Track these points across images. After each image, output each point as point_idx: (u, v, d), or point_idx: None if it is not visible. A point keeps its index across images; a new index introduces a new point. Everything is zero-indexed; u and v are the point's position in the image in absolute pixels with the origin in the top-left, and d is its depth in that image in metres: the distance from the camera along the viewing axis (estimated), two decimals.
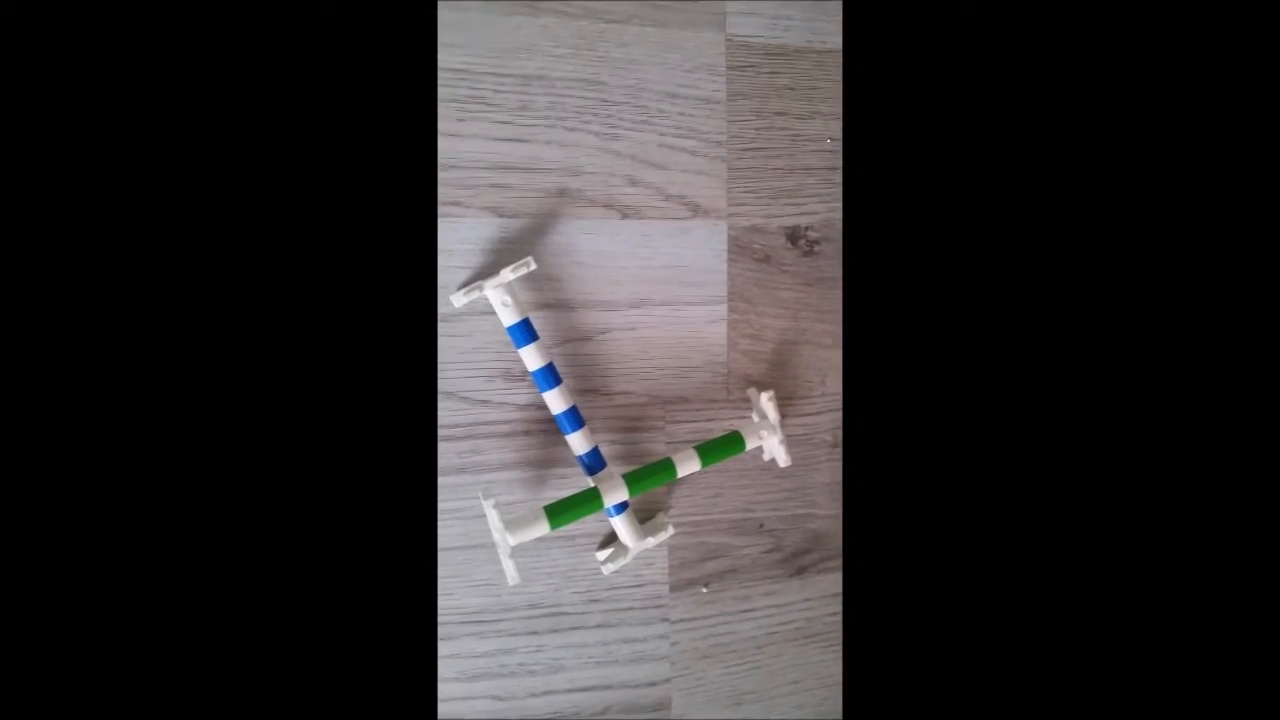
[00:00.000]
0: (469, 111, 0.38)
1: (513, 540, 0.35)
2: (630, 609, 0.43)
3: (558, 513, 0.36)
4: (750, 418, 0.43)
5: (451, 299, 0.37)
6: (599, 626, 0.42)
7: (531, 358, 0.37)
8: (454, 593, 0.40)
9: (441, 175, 0.38)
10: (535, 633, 0.41)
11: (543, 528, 0.36)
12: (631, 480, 0.38)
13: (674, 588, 0.43)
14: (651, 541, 0.41)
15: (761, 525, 0.44)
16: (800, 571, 0.45)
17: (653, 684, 0.43)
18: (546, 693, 0.42)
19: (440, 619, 0.40)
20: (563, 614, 0.42)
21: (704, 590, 0.44)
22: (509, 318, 0.37)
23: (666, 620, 0.43)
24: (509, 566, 0.35)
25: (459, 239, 0.38)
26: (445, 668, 0.40)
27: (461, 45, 0.38)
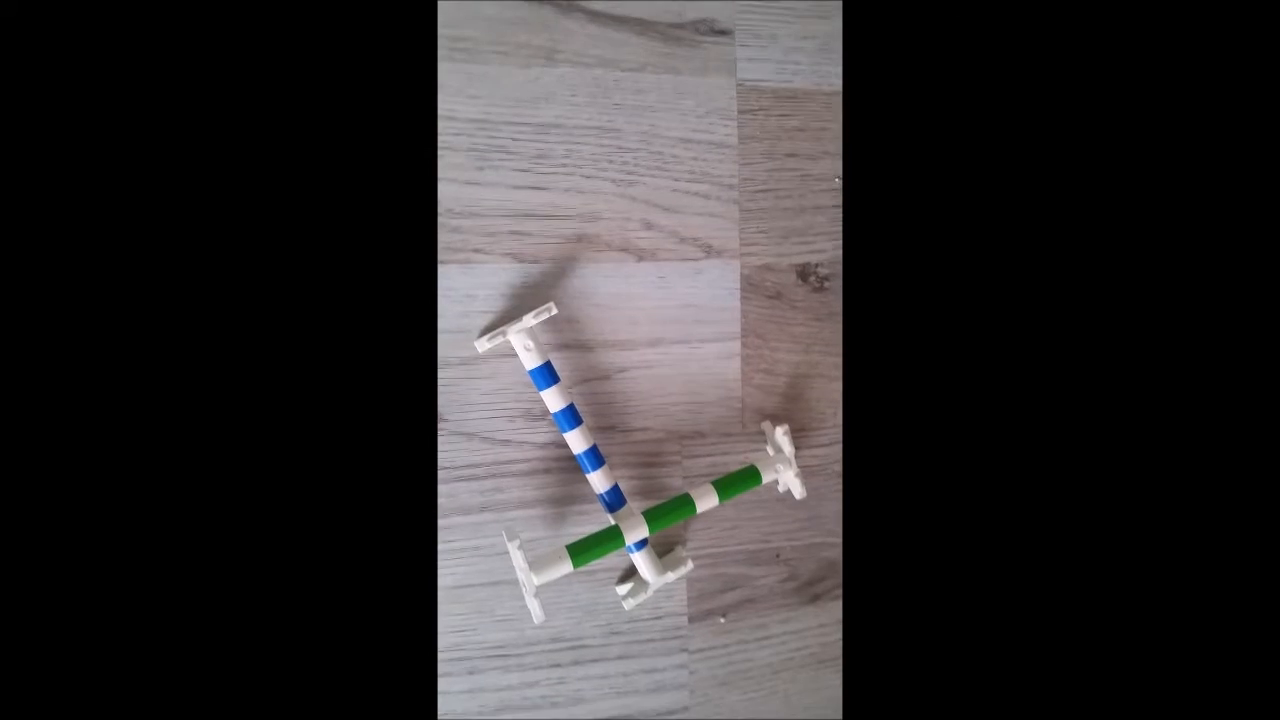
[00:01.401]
0: (488, 161, 0.39)
1: (538, 580, 0.36)
2: (650, 640, 0.43)
3: (580, 551, 0.37)
4: (765, 450, 0.44)
5: (475, 344, 0.38)
6: (620, 658, 0.43)
7: (554, 400, 0.38)
8: (478, 628, 0.41)
9: (463, 223, 0.39)
10: (558, 665, 0.42)
11: (566, 567, 0.37)
12: (651, 518, 0.39)
13: (693, 619, 0.44)
14: (671, 576, 0.41)
15: (778, 555, 0.45)
16: (815, 599, 0.46)
17: (672, 712, 0.44)
18: None
19: (464, 654, 0.41)
20: (584, 646, 0.42)
21: (722, 620, 0.44)
22: (531, 362, 0.38)
23: (685, 650, 0.44)
24: (534, 606, 0.36)
25: (481, 284, 0.39)
26: (469, 702, 0.41)
27: (482, 96, 0.39)
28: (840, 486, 0.46)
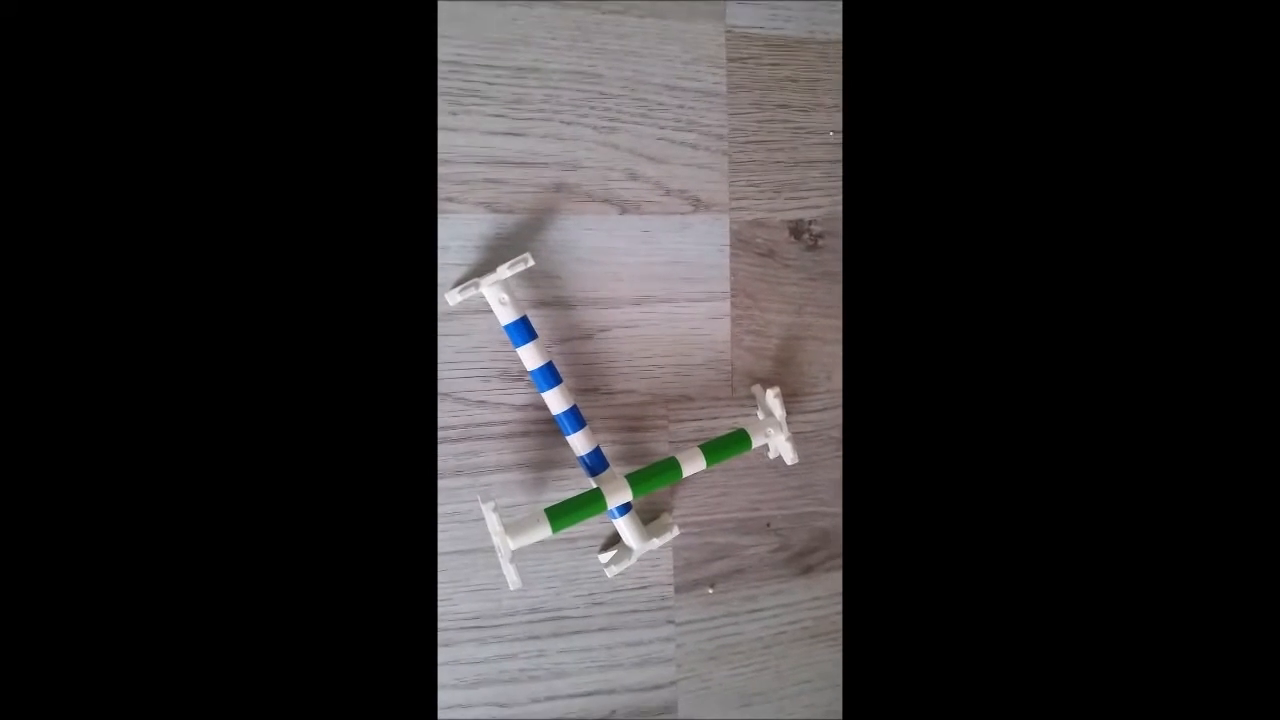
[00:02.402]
0: (462, 105, 0.37)
1: (513, 544, 0.34)
2: (635, 611, 0.42)
3: (559, 515, 0.36)
4: (755, 415, 0.42)
5: (446, 297, 0.36)
6: (602, 630, 0.41)
7: (530, 356, 0.36)
8: (452, 598, 0.39)
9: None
10: (537, 637, 0.40)
11: (544, 531, 0.35)
12: (635, 481, 0.37)
13: (679, 589, 0.42)
14: (656, 543, 0.40)
15: (768, 524, 0.44)
16: (807, 570, 0.45)
17: (658, 687, 0.42)
18: (549, 698, 0.41)
19: (439, 625, 0.39)
20: (565, 618, 0.41)
21: (710, 591, 0.43)
22: (506, 316, 0.36)
23: (672, 622, 0.42)
24: (510, 571, 0.35)
25: (453, 235, 0.37)
26: (445, 674, 0.39)
27: (455, 37, 0.37)
28: (834, 453, 0.44)
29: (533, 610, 0.40)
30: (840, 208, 0.43)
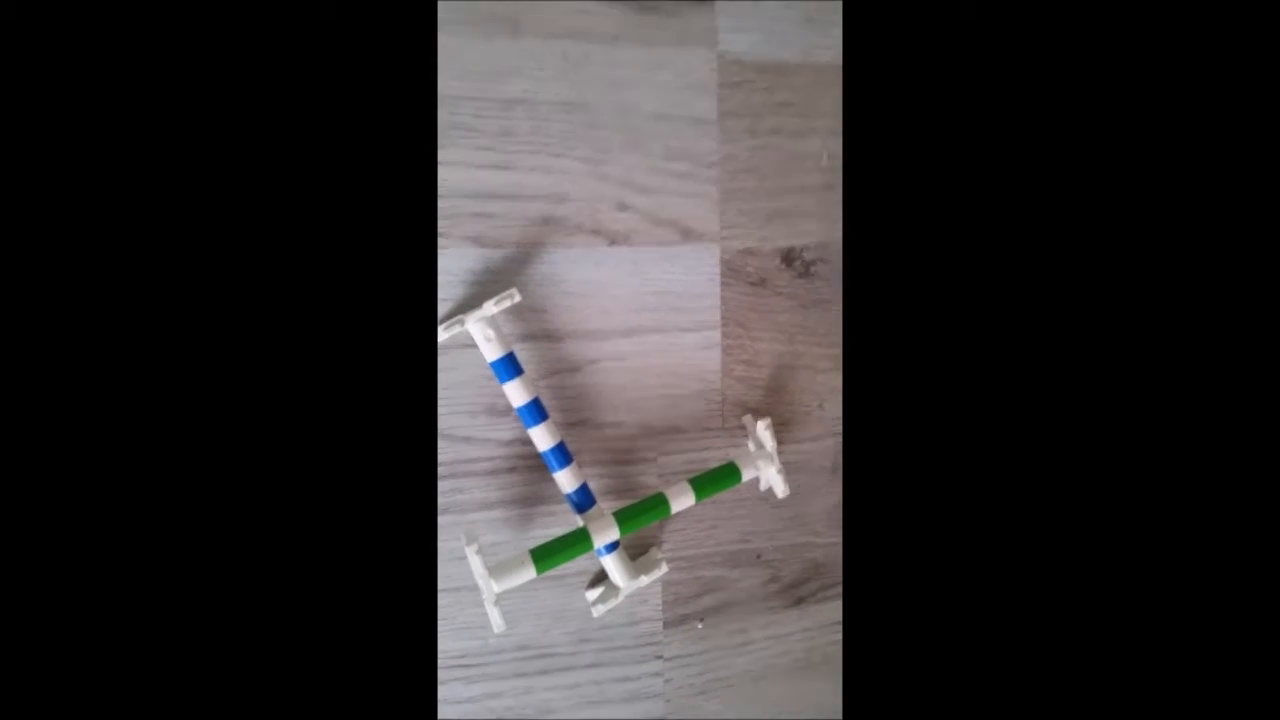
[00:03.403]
0: (449, 138, 0.37)
1: (497, 587, 0.34)
2: (623, 648, 0.41)
3: (544, 557, 0.35)
4: (746, 446, 0.42)
5: None
6: (591, 666, 0.41)
7: (516, 393, 0.36)
8: (440, 636, 0.38)
9: None
10: (524, 675, 0.40)
11: (529, 573, 0.35)
12: (623, 519, 0.36)
13: (668, 624, 0.42)
14: (644, 580, 0.39)
15: (759, 556, 0.43)
16: (799, 601, 0.44)
17: None
18: None
19: None
20: (553, 655, 0.40)
21: (699, 626, 0.42)
22: (492, 353, 0.35)
23: (660, 657, 0.42)
24: (494, 614, 0.34)
25: (441, 270, 0.37)
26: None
27: (442, 69, 0.36)
28: (827, 482, 0.44)
29: (520, 648, 0.40)
30: (834, 234, 0.43)
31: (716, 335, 0.41)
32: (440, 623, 0.38)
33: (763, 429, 0.39)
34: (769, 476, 0.40)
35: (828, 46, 0.42)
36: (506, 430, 0.38)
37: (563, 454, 0.37)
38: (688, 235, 0.40)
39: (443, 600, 0.38)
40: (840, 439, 0.44)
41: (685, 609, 0.42)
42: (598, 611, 0.39)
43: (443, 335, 0.35)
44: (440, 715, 0.39)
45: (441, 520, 0.38)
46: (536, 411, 0.36)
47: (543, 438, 0.36)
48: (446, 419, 0.38)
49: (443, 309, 0.37)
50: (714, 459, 0.41)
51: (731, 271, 0.41)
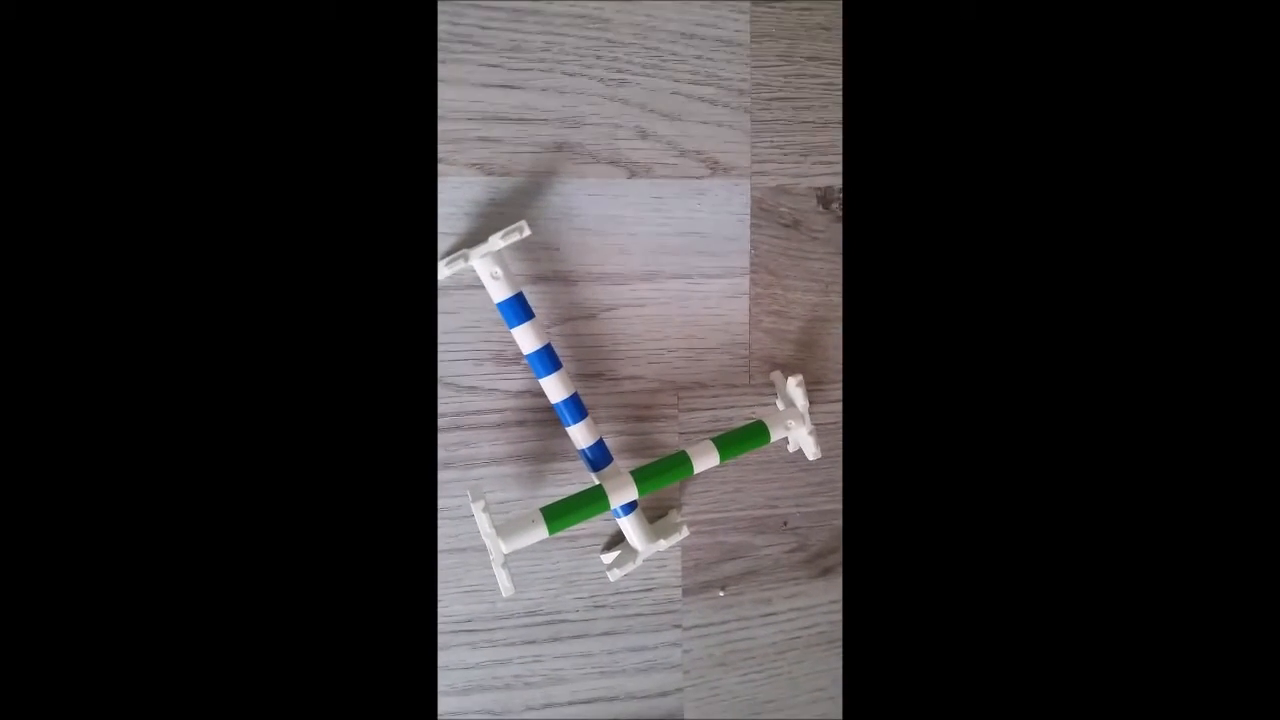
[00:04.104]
0: (452, 52, 0.33)
1: (506, 548, 0.31)
2: (639, 615, 0.39)
3: (557, 516, 0.32)
4: (775, 405, 0.38)
5: None
6: (605, 634, 0.38)
7: (526, 338, 0.33)
8: (443, 599, 0.36)
9: None
10: (533, 642, 0.37)
11: (540, 533, 0.32)
12: (641, 478, 0.33)
13: (687, 591, 0.39)
14: (663, 544, 0.36)
15: (785, 523, 0.40)
16: (825, 572, 0.41)
17: (664, 694, 0.39)
18: (546, 705, 0.38)
19: None
20: (564, 621, 0.38)
21: (720, 594, 0.40)
22: (499, 292, 0.32)
23: (679, 626, 0.39)
24: (502, 577, 0.31)
25: (442, 201, 0.33)
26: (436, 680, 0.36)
27: None
28: None
29: (529, 613, 0.37)
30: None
31: (745, 283, 0.37)
32: (445, 585, 0.36)
33: (794, 386, 0.36)
34: (799, 438, 0.36)
35: None
36: (516, 380, 0.35)
37: (577, 407, 0.34)
38: (715, 169, 0.36)
39: (447, 561, 0.36)
40: None
41: (706, 576, 0.39)
42: (614, 576, 0.36)
43: (444, 272, 0.32)
44: (445, 682, 0.37)
45: (447, 475, 0.35)
46: (549, 359, 0.33)
47: (555, 388, 0.33)
48: (450, 366, 0.34)
49: (445, 244, 0.34)
50: (739, 417, 0.38)
51: (763, 211, 0.37)
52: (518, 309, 0.32)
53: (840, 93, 0.38)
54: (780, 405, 0.38)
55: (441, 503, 0.35)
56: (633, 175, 0.36)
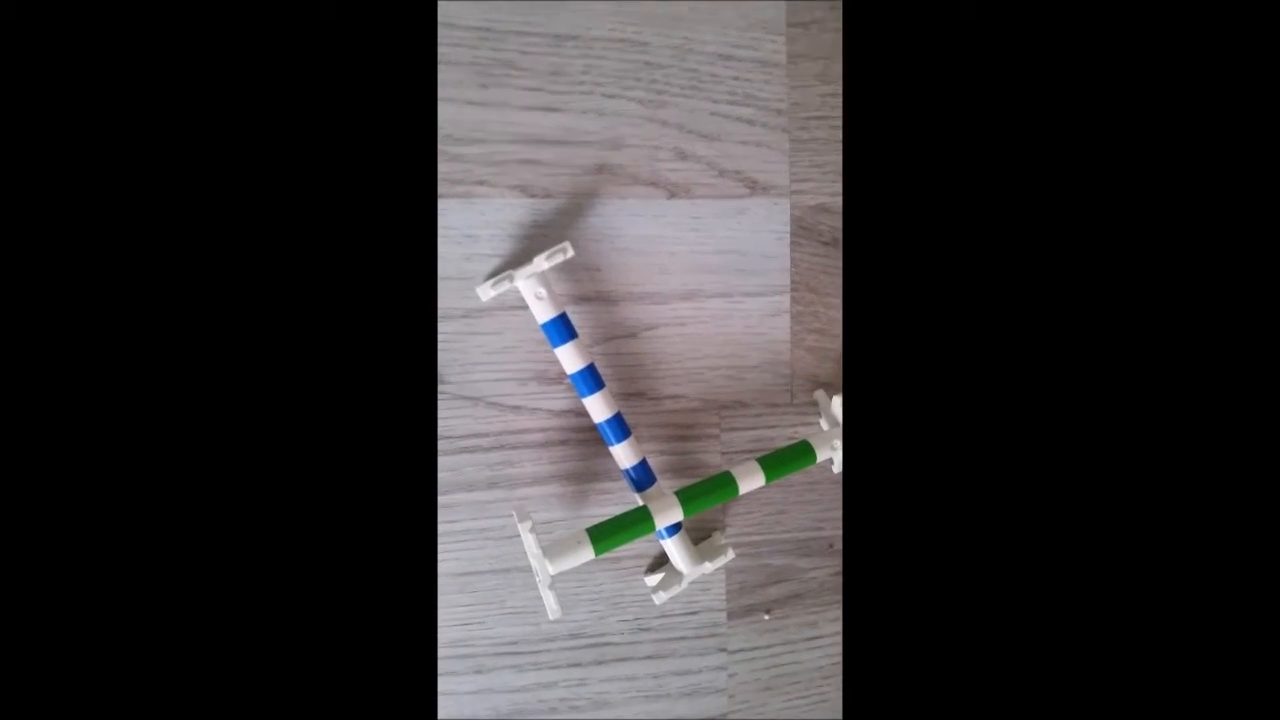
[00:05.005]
0: (493, 77, 0.34)
1: (553, 569, 0.31)
2: (683, 639, 0.38)
3: (603, 537, 0.32)
4: (818, 424, 0.38)
5: (479, 291, 0.33)
6: (649, 658, 0.38)
7: (570, 358, 0.33)
8: (486, 621, 0.36)
9: (464, 150, 0.34)
10: (578, 664, 0.37)
11: (586, 554, 0.31)
12: (686, 499, 0.33)
13: (732, 615, 0.38)
14: (709, 567, 0.36)
15: (831, 545, 0.39)
16: None
17: (709, 719, 0.39)
18: None
19: (471, 650, 0.36)
20: (609, 644, 0.37)
21: (766, 617, 0.39)
22: (544, 313, 0.32)
23: (724, 650, 0.38)
24: (549, 598, 0.31)
25: (485, 223, 0.34)
26: (477, 704, 0.36)
27: (484, 0, 0.33)
28: None
29: (574, 636, 0.37)
30: None
31: (786, 301, 0.37)
32: (489, 607, 0.36)
33: (838, 405, 0.35)
34: (843, 458, 0.36)
35: None
36: (559, 400, 0.35)
37: (620, 426, 0.33)
38: (755, 188, 0.36)
39: (492, 583, 0.36)
40: None
41: (751, 599, 0.39)
42: (659, 599, 0.36)
43: (489, 293, 0.32)
44: (489, 704, 0.36)
45: (491, 495, 0.35)
46: (592, 379, 0.33)
47: (599, 408, 0.33)
48: (495, 385, 0.35)
49: (489, 265, 0.34)
50: (781, 437, 0.38)
51: (803, 230, 0.37)
52: (562, 329, 0.32)
53: None
54: (824, 425, 0.37)
55: (485, 523, 0.35)
56: (673, 196, 0.36)
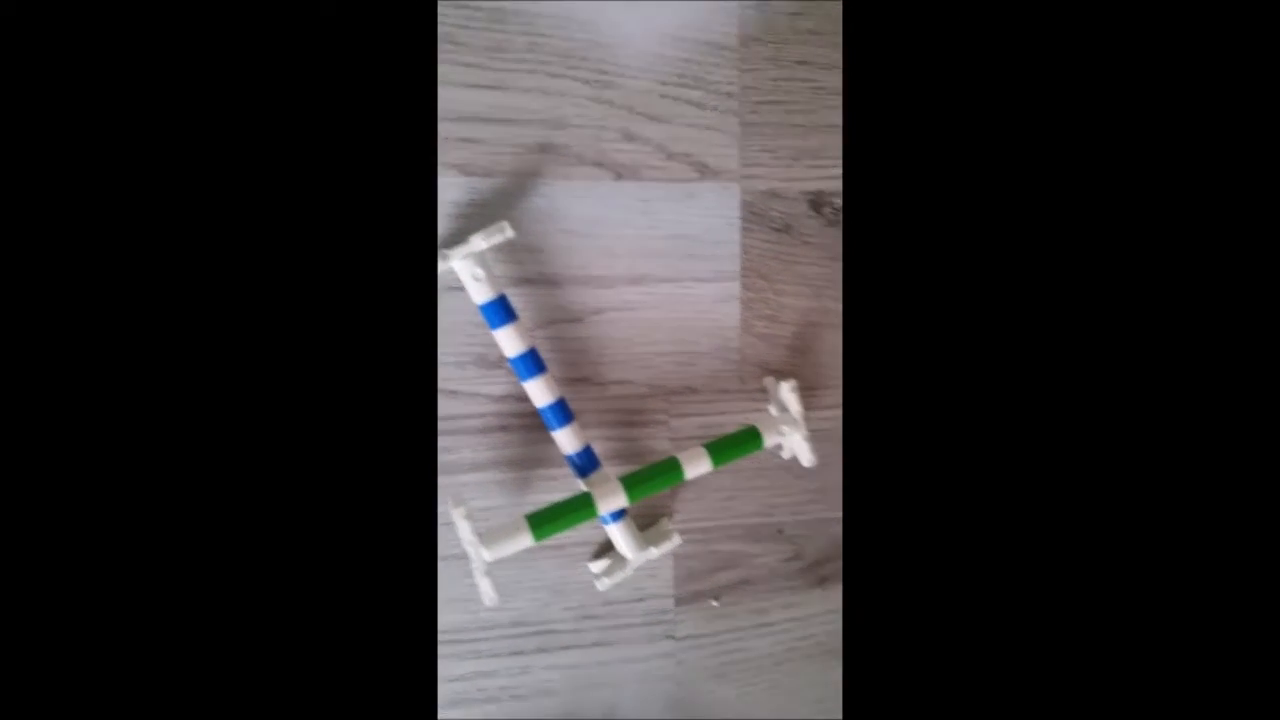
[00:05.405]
0: None
1: (489, 555, 0.30)
2: (630, 626, 0.38)
3: (543, 522, 0.31)
4: (768, 410, 0.38)
5: None
6: (594, 645, 0.37)
7: (509, 341, 0.32)
8: None
9: None
10: (520, 653, 0.36)
11: (525, 540, 0.31)
12: (631, 484, 0.33)
13: (680, 601, 0.38)
14: (655, 552, 0.36)
15: (780, 531, 0.39)
16: (823, 581, 0.40)
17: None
18: (535, 718, 0.37)
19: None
20: (552, 632, 0.37)
21: (714, 604, 0.39)
22: (481, 294, 0.32)
23: (671, 637, 0.38)
24: (484, 585, 0.31)
25: None
26: None
27: None
28: None
29: (515, 624, 0.36)
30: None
31: (736, 287, 0.37)
32: None
33: (787, 391, 0.35)
34: (794, 444, 0.36)
35: None
36: (498, 384, 0.35)
37: (563, 411, 0.33)
38: (704, 172, 0.36)
39: None
40: None
41: (699, 585, 0.38)
42: (603, 585, 0.36)
43: None
44: None
45: None
46: (532, 363, 0.32)
47: (540, 392, 0.33)
48: None
49: None
50: (731, 423, 0.37)
51: (753, 215, 0.37)
52: (500, 311, 0.32)
53: (830, 96, 0.38)
54: (773, 411, 0.37)
55: None
56: (619, 178, 0.35)
